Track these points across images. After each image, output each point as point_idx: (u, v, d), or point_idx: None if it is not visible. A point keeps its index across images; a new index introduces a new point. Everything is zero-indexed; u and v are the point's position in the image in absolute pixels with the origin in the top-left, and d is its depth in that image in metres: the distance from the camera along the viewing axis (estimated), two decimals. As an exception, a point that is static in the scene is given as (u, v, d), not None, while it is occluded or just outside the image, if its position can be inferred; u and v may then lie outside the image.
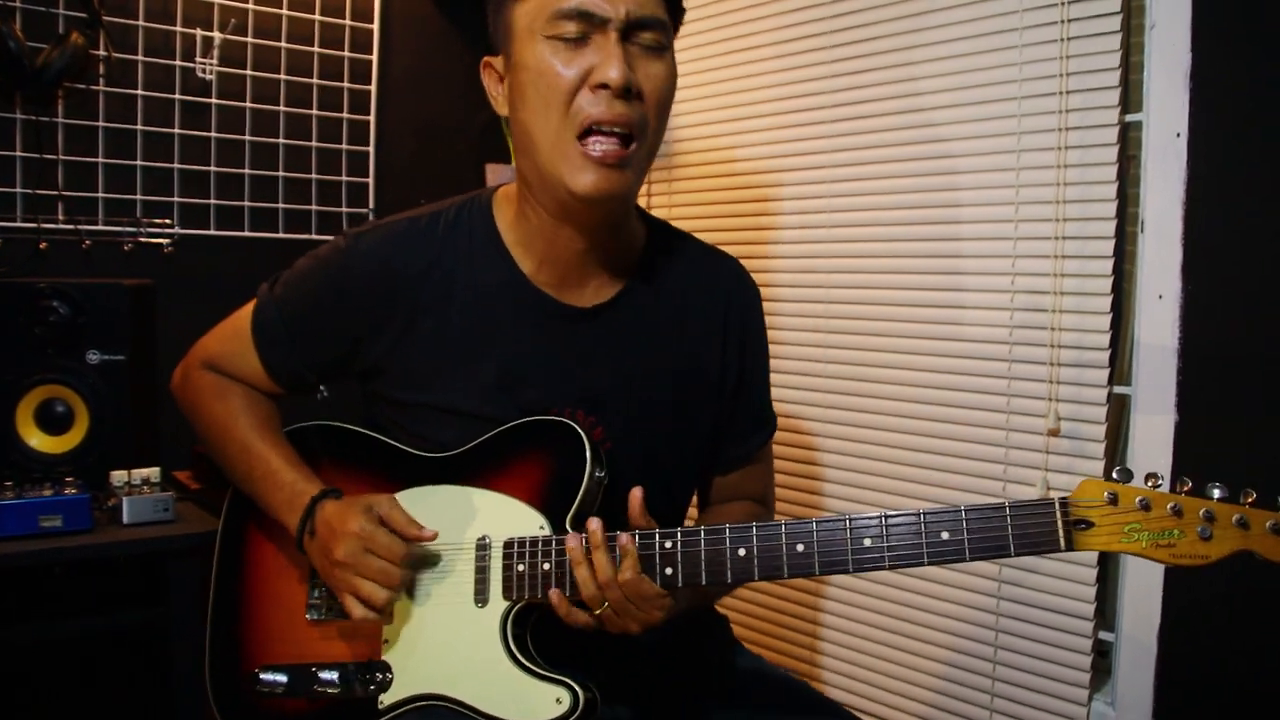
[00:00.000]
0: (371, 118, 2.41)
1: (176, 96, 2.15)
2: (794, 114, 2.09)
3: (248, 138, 2.25)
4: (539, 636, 1.18)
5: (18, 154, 1.98)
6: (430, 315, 1.23)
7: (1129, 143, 1.65)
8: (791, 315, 2.11)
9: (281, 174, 2.30)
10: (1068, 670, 1.70)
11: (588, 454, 1.16)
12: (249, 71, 2.24)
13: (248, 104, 2.24)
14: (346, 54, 2.36)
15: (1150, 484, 0.95)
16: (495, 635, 1.16)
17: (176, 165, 2.16)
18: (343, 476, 1.28)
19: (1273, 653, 1.53)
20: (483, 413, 1.23)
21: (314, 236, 2.34)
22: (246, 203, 2.26)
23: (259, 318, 1.31)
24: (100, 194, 2.08)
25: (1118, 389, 1.68)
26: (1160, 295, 1.60)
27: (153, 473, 1.73)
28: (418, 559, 1.19)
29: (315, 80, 2.32)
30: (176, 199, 2.16)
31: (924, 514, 1.02)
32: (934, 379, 1.87)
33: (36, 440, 1.76)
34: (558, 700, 1.11)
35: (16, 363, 1.75)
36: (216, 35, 2.18)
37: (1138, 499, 0.95)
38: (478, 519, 1.20)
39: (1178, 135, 1.56)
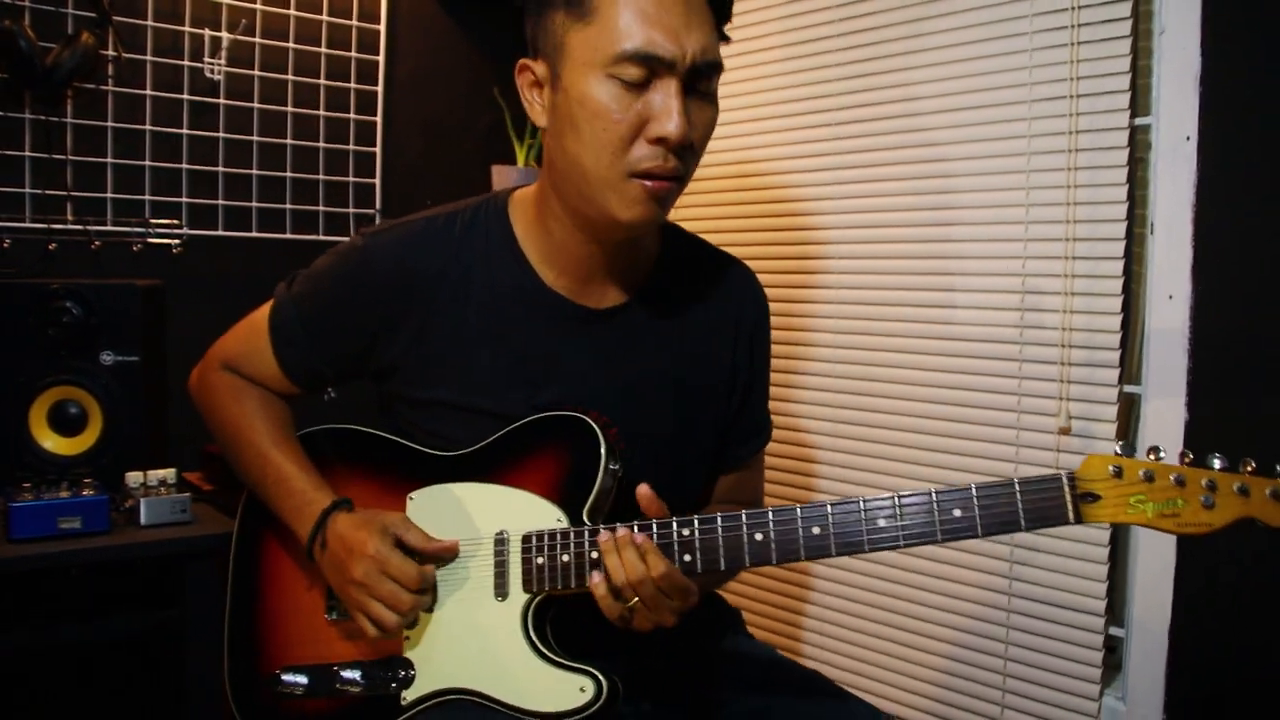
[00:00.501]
0: (378, 118, 2.41)
1: (185, 97, 2.15)
2: (807, 115, 2.10)
3: (255, 138, 2.25)
4: (557, 629, 1.19)
5: (27, 154, 1.97)
6: (447, 313, 1.24)
7: (1137, 145, 1.67)
8: (803, 315, 2.12)
9: (289, 174, 2.30)
10: (1079, 666, 1.72)
11: (602, 447, 1.17)
12: (257, 72, 2.24)
13: (255, 104, 2.24)
14: (353, 54, 2.37)
15: (1152, 457, 0.98)
16: (517, 628, 1.17)
17: (185, 166, 2.16)
18: (356, 479, 1.29)
19: (1283, 648, 1.55)
20: (498, 410, 1.23)
21: (321, 237, 2.34)
22: (254, 203, 2.25)
23: (276, 317, 1.32)
24: (109, 194, 2.07)
25: (1128, 388, 1.70)
26: (1170, 295, 1.62)
27: (169, 474, 1.73)
28: (432, 582, 1.20)
29: (322, 81, 2.33)
30: (185, 199, 2.16)
31: (935, 492, 1.03)
32: (946, 379, 1.89)
33: (51, 442, 1.75)
34: (581, 689, 1.12)
35: (29, 364, 1.75)
36: (225, 35, 2.18)
37: (1141, 471, 0.97)
38: (494, 514, 1.21)
39: (1187, 138, 1.58)
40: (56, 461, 1.75)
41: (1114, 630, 1.72)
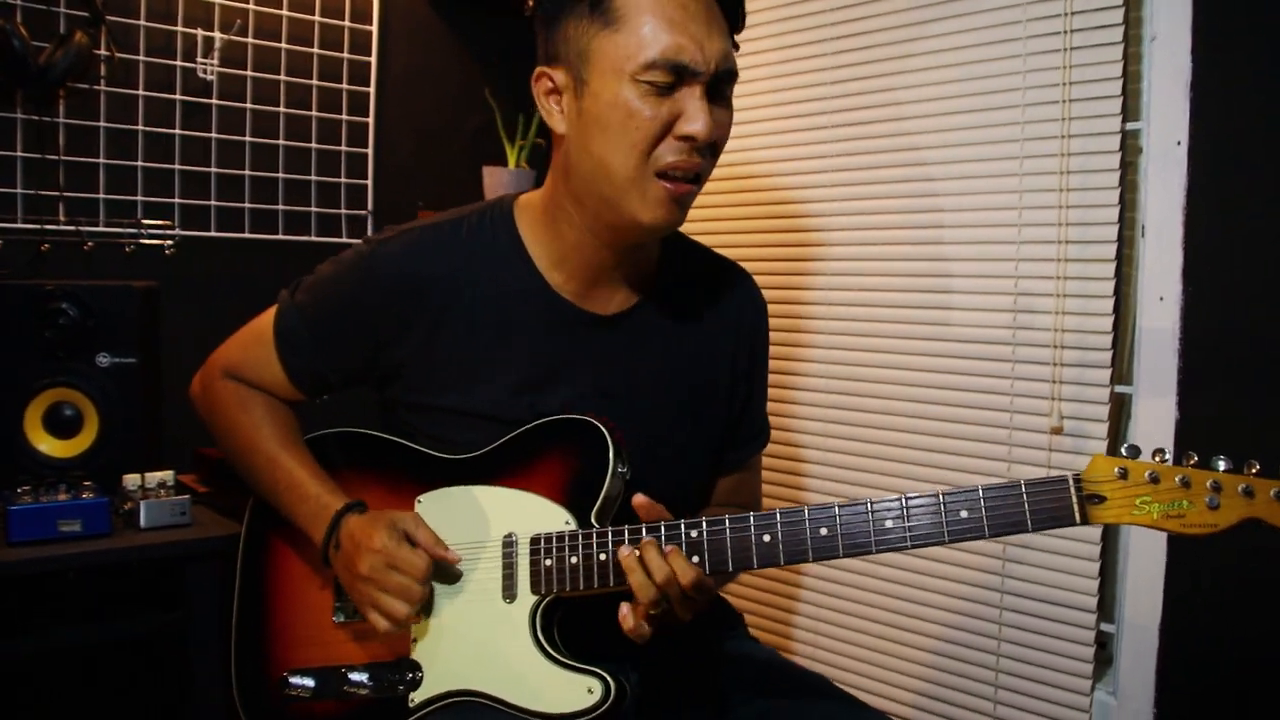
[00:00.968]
0: (370, 119, 2.41)
1: (178, 97, 2.14)
2: (802, 119, 2.12)
3: (248, 139, 2.24)
4: (563, 631, 1.20)
5: (19, 154, 1.96)
6: (454, 319, 1.25)
7: (1128, 150, 1.69)
8: (797, 317, 2.14)
9: (281, 175, 2.29)
10: (1071, 662, 1.74)
11: (610, 450, 1.18)
12: (249, 72, 2.23)
13: (248, 105, 2.24)
14: (345, 55, 2.36)
15: (1157, 459, 0.99)
16: (525, 629, 1.18)
17: (178, 166, 2.15)
18: (364, 483, 1.29)
19: (1273, 642, 1.58)
20: (504, 415, 1.24)
21: (313, 239, 2.33)
22: (247, 204, 2.25)
23: (281, 323, 1.32)
24: (101, 195, 2.06)
25: (1119, 388, 1.73)
26: (1161, 297, 1.65)
27: (167, 476, 1.72)
28: (439, 575, 1.20)
29: (315, 82, 2.32)
30: (177, 200, 2.16)
31: (943, 494, 1.05)
32: (939, 379, 1.91)
33: (46, 445, 1.74)
34: (589, 690, 1.13)
35: (25, 366, 1.74)
36: (218, 36, 2.17)
37: (1147, 473, 0.99)
38: (502, 516, 1.22)
39: (1178, 143, 1.61)
40: (51, 464, 1.74)
41: (1105, 626, 1.75)
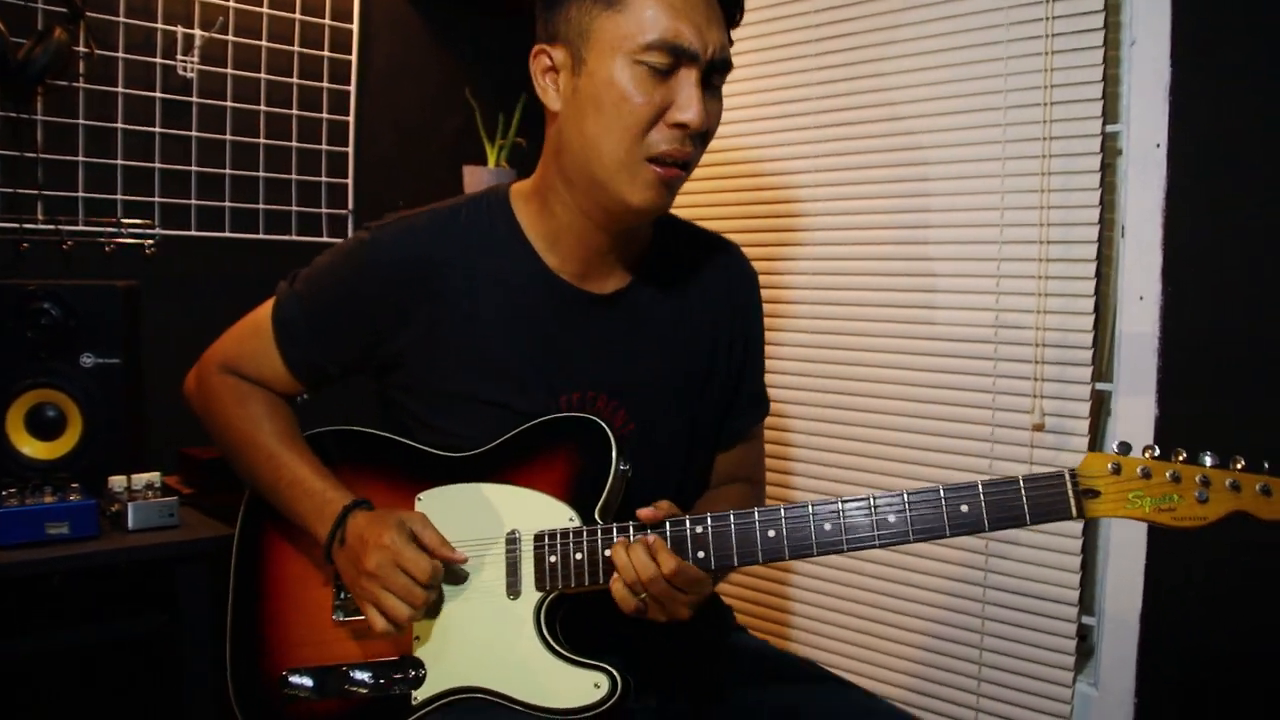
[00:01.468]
0: (351, 118, 2.40)
1: (157, 95, 2.12)
2: (786, 118, 2.14)
3: (228, 137, 2.22)
4: (564, 627, 1.20)
5: (-4, 151, 1.93)
6: (455, 304, 1.25)
7: (1108, 151, 1.73)
8: (779, 315, 2.16)
9: (262, 174, 2.27)
10: (1052, 654, 1.78)
11: (614, 449, 1.20)
12: (229, 70, 2.21)
13: (228, 103, 2.22)
14: (326, 54, 2.35)
15: (1148, 455, 1.03)
16: (530, 625, 1.18)
17: (157, 165, 2.13)
18: (362, 481, 1.28)
19: (1250, 632, 1.62)
20: (508, 400, 1.25)
21: (294, 238, 2.32)
22: (227, 203, 2.23)
23: (280, 314, 1.31)
24: (80, 193, 2.03)
25: (1100, 385, 1.76)
26: (1141, 296, 1.69)
27: (153, 477, 1.70)
28: (444, 576, 1.20)
29: (295, 80, 2.30)
30: (157, 199, 2.13)
31: (944, 489, 1.07)
32: (923, 377, 1.94)
33: (29, 447, 1.72)
34: (596, 685, 1.14)
35: (6, 367, 1.71)
36: (198, 33, 2.15)
37: (1139, 468, 1.02)
38: (505, 514, 1.22)
39: (1158, 145, 1.65)
40: (34, 466, 1.72)
41: (1086, 619, 1.79)
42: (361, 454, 1.32)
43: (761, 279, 2.15)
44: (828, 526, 1.10)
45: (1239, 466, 1.00)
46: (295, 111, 2.31)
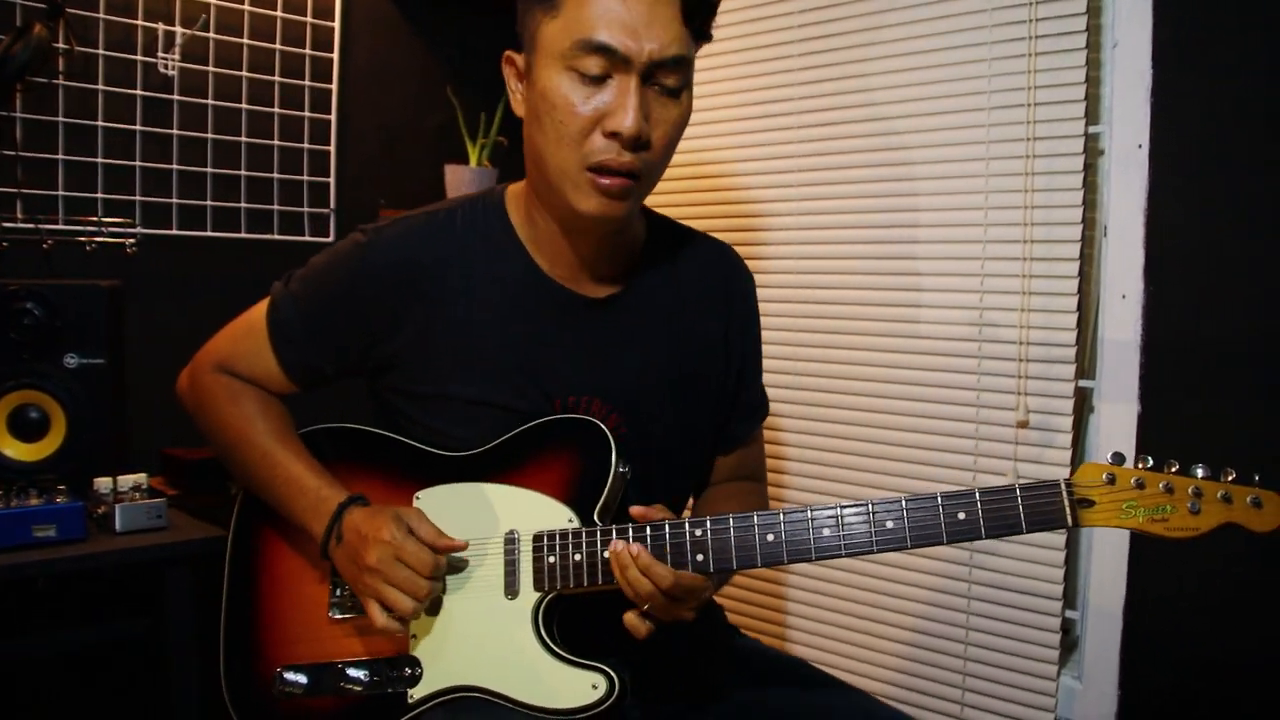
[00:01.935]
0: (333, 116, 2.39)
1: (138, 92, 2.10)
2: (768, 119, 2.15)
3: (210, 135, 2.20)
4: (563, 627, 1.21)
5: (-25, 150, 1.91)
6: (451, 306, 1.25)
7: (1090, 152, 1.76)
8: (763, 315, 2.16)
9: (244, 173, 2.26)
10: (1037, 648, 1.80)
11: (613, 451, 1.20)
12: (211, 68, 2.19)
13: (210, 101, 2.20)
14: (308, 52, 2.33)
15: (1141, 465, 1.04)
16: (527, 625, 1.18)
17: (138, 163, 2.11)
18: (359, 479, 1.28)
19: (1228, 631, 1.65)
20: (502, 401, 1.25)
21: (276, 237, 2.30)
22: (209, 202, 2.21)
23: (275, 315, 1.31)
24: (60, 192, 2.01)
25: (1083, 383, 1.79)
26: (1123, 295, 1.71)
27: (140, 479, 1.69)
28: (445, 571, 1.20)
29: (277, 78, 2.29)
30: (139, 198, 2.11)
31: (941, 496, 1.08)
32: (907, 375, 1.96)
33: (12, 449, 1.69)
34: (593, 686, 1.15)
35: (-12, 368, 1.69)
36: (179, 30, 2.13)
37: (1133, 479, 1.04)
38: (503, 514, 1.22)
39: (1139, 146, 1.68)
40: (18, 468, 1.68)
41: (1069, 613, 1.81)
42: (358, 452, 1.32)
43: (743, 278, 2.20)
44: (826, 532, 1.11)
45: (1230, 479, 1.02)
46: (277, 110, 2.30)
